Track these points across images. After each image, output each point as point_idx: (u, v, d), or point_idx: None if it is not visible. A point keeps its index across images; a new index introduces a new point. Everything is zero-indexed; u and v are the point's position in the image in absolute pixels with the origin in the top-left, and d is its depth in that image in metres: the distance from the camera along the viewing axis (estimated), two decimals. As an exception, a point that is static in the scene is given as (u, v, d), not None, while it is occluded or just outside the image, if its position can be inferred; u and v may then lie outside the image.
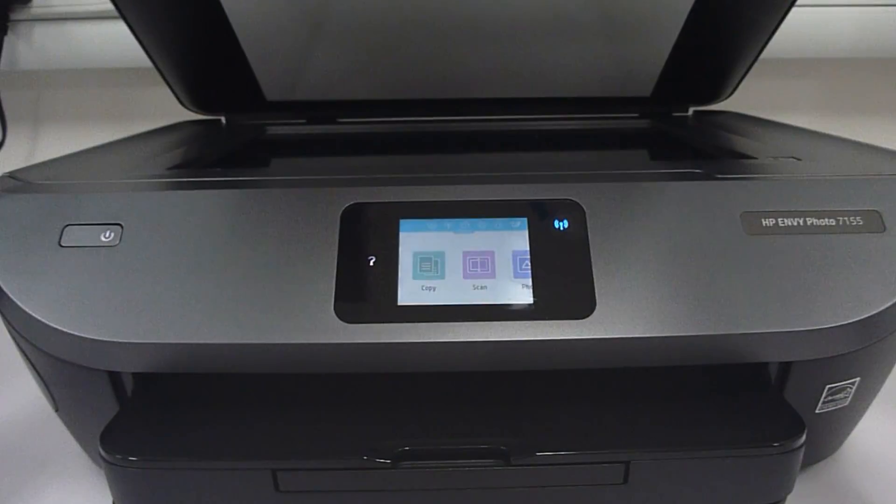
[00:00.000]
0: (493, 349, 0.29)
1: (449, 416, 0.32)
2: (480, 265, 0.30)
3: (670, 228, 0.31)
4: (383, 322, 0.29)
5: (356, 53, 0.51)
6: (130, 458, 0.29)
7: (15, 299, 0.30)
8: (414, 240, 0.31)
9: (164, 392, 0.33)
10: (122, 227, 0.31)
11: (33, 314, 0.30)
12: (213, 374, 0.32)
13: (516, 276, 0.30)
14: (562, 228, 0.31)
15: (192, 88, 0.55)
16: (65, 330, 0.29)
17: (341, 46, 0.51)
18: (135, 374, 0.33)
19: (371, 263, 0.30)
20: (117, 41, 0.65)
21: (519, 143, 0.56)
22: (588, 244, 0.30)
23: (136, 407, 0.33)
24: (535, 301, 0.30)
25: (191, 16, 0.48)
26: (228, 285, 0.30)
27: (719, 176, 0.33)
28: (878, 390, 0.36)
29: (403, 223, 0.31)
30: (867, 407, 0.37)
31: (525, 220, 0.31)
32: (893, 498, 0.36)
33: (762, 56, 0.51)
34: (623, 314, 0.29)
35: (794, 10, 0.48)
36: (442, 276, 0.30)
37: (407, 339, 0.29)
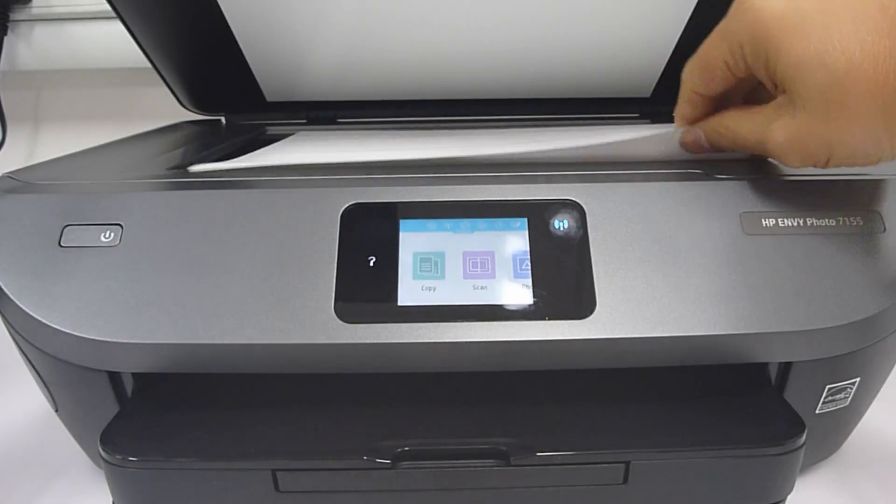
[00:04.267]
0: (494, 349, 0.29)
1: (449, 417, 0.32)
2: (480, 265, 0.30)
3: (670, 228, 0.31)
4: (383, 322, 0.29)
5: (356, 53, 0.51)
6: (130, 458, 0.29)
7: (15, 299, 0.30)
8: (414, 240, 0.31)
9: (164, 392, 0.33)
10: (122, 227, 0.31)
11: (33, 314, 0.30)
12: (213, 374, 0.32)
13: (516, 276, 0.30)
14: (562, 228, 0.31)
15: (192, 88, 0.55)
16: (65, 330, 0.29)
17: (342, 46, 0.51)
18: (135, 374, 0.33)
19: (371, 263, 0.30)
20: (117, 41, 0.65)
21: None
22: (588, 244, 0.30)
23: (136, 407, 0.33)
24: (535, 301, 0.30)
25: (189, 16, 0.48)
26: (228, 285, 0.30)
27: (719, 176, 0.33)
28: (878, 390, 0.36)
29: (403, 223, 0.31)
30: (867, 407, 0.36)
31: (525, 220, 0.31)
32: (893, 498, 0.36)
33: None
34: (623, 314, 0.29)
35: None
36: (442, 277, 0.30)
37: (407, 339, 0.29)
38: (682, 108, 0.36)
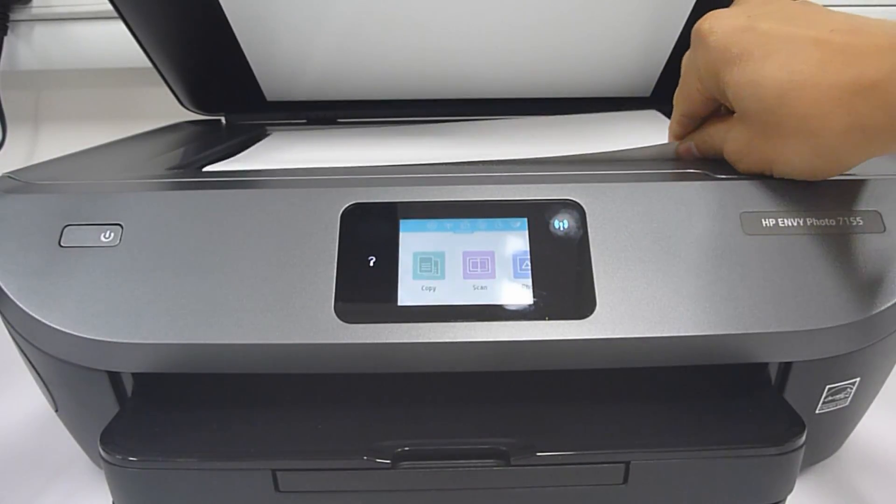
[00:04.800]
0: (493, 349, 0.29)
1: (449, 416, 0.32)
2: (480, 265, 0.30)
3: (670, 228, 0.31)
4: (383, 322, 0.29)
5: (356, 53, 0.51)
6: (130, 458, 0.29)
7: (15, 299, 0.30)
8: (414, 240, 0.31)
9: (164, 392, 0.33)
10: (122, 227, 0.31)
11: (33, 314, 0.30)
12: (213, 374, 0.32)
13: (516, 276, 0.30)
14: (562, 228, 0.31)
15: (192, 88, 0.55)
16: (65, 330, 0.29)
17: (341, 46, 0.51)
18: (135, 374, 0.33)
19: (371, 263, 0.30)
20: (117, 41, 0.65)
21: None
22: (588, 244, 0.30)
23: (136, 407, 0.33)
24: (535, 301, 0.30)
25: (190, 16, 0.48)
26: (228, 285, 0.30)
27: (719, 176, 0.33)
28: (878, 390, 0.36)
29: (403, 223, 0.31)
30: (867, 407, 0.37)
31: (525, 220, 0.31)
32: (893, 498, 0.36)
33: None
34: (623, 314, 0.29)
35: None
36: (442, 277, 0.30)
37: (407, 339, 0.29)
38: (673, 128, 0.39)
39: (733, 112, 0.34)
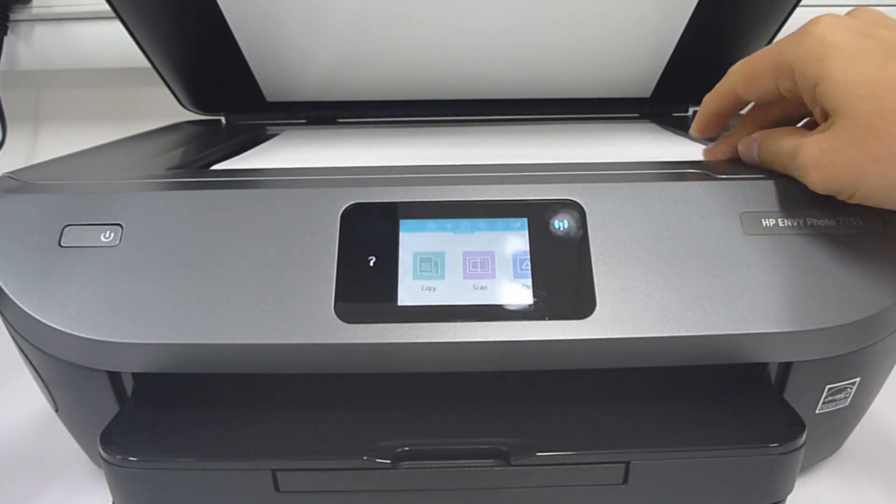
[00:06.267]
0: (493, 349, 0.29)
1: (449, 417, 0.32)
2: (480, 265, 0.30)
3: (670, 228, 0.31)
4: (383, 322, 0.29)
5: (356, 53, 0.52)
6: (130, 458, 0.29)
7: (15, 299, 0.30)
8: (414, 240, 0.31)
9: (164, 392, 0.33)
10: (122, 227, 0.31)
11: (33, 314, 0.30)
12: (213, 374, 0.32)
13: (516, 276, 0.30)
14: (562, 228, 0.31)
15: (192, 89, 0.55)
16: (65, 330, 0.29)
17: (341, 46, 0.51)
18: (135, 374, 0.33)
19: (371, 263, 0.30)
20: (117, 41, 0.65)
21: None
22: (588, 244, 0.30)
23: (136, 407, 0.33)
24: (535, 301, 0.30)
25: (189, 17, 0.48)
26: (228, 285, 0.30)
27: (719, 176, 0.33)
28: (878, 390, 0.36)
29: (403, 223, 0.31)
30: (867, 407, 0.36)
31: (525, 220, 0.31)
32: (893, 498, 0.36)
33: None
34: (623, 314, 0.29)
35: (797, 9, 0.48)
36: (442, 277, 0.30)
37: (407, 339, 0.29)
38: (712, 100, 0.37)
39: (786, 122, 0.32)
